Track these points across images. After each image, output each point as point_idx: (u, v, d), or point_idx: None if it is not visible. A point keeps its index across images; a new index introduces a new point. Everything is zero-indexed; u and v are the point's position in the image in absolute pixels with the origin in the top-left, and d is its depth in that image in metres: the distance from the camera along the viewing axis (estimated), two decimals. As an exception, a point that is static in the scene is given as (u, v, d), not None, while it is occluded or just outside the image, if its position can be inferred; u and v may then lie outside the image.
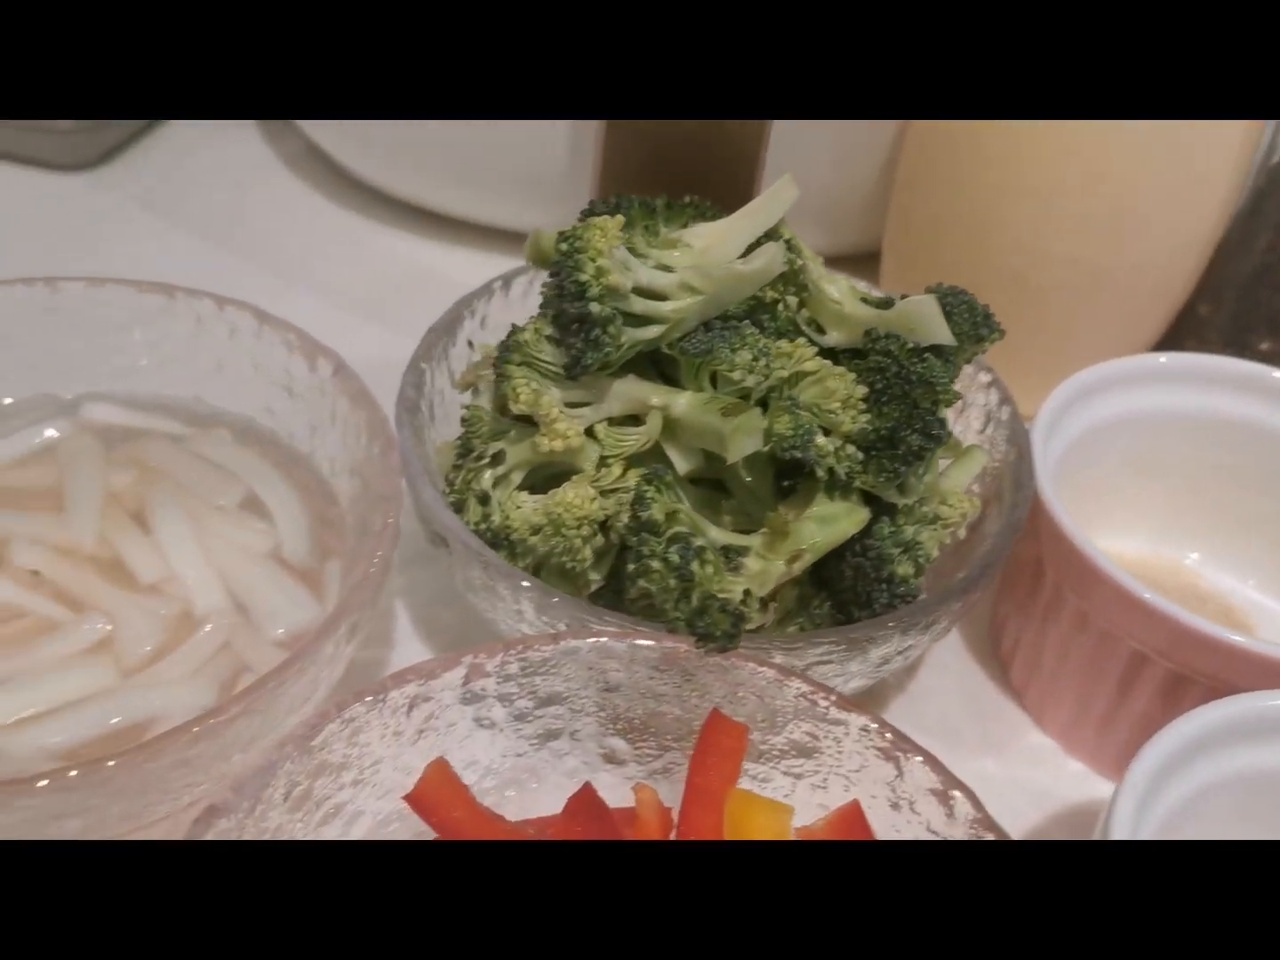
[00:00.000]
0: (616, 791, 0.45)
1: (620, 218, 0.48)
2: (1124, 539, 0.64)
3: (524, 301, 0.62)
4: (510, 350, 0.50)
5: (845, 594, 0.51)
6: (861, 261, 0.76)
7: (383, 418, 0.53)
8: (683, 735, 0.47)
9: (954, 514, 0.51)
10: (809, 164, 0.67)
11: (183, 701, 0.46)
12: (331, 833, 0.42)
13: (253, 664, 0.48)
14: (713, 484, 0.52)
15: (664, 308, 0.49)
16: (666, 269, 0.50)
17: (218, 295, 0.58)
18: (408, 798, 0.41)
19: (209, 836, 0.37)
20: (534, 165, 0.75)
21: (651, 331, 0.49)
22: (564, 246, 0.47)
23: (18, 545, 0.51)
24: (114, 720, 0.45)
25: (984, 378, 0.59)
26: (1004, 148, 0.65)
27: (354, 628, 0.46)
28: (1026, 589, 0.57)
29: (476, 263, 0.81)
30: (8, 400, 0.57)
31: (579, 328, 0.47)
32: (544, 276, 0.61)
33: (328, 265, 0.80)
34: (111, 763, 0.38)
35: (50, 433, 0.56)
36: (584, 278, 0.46)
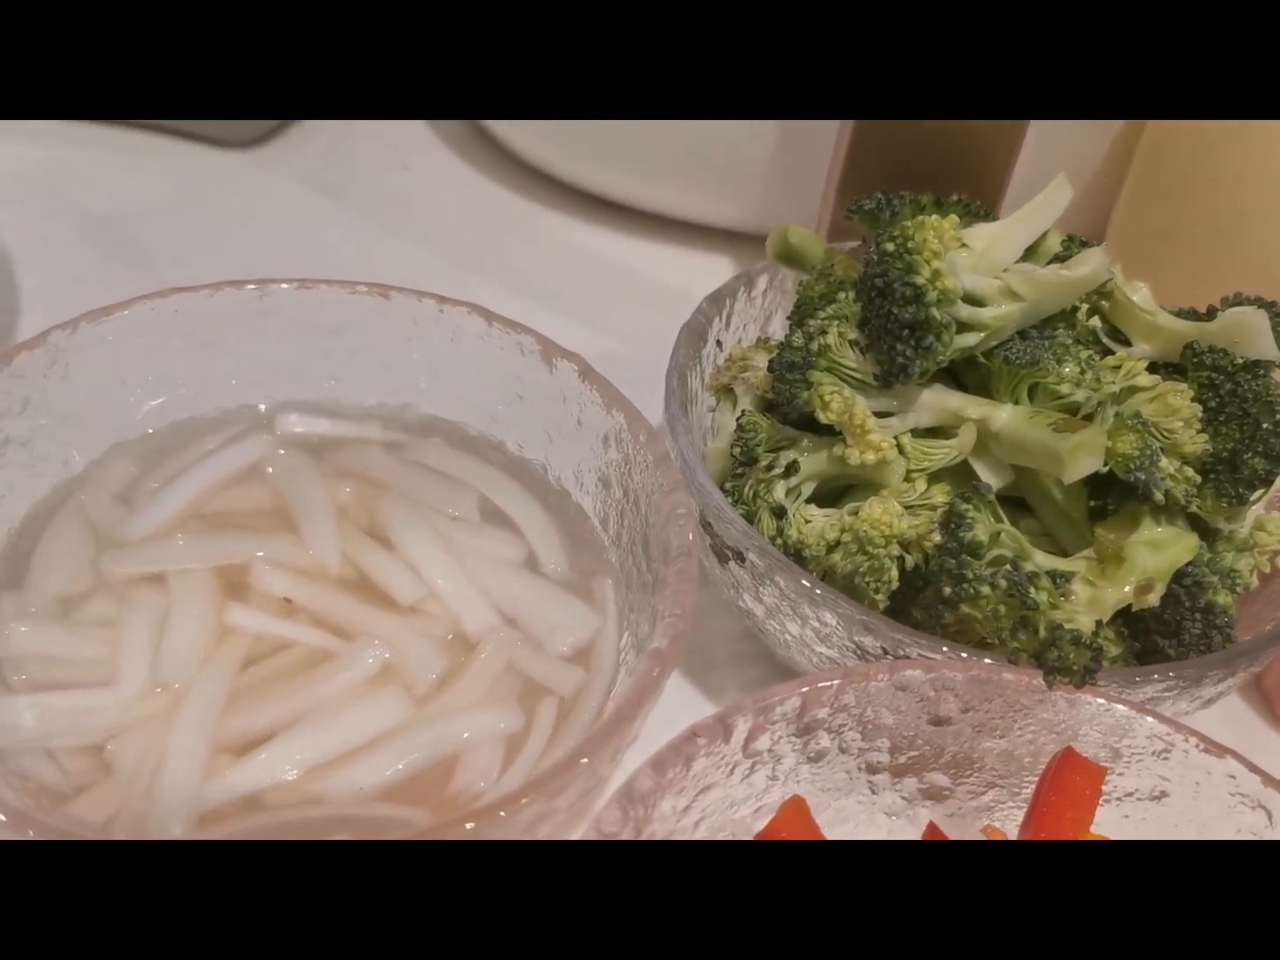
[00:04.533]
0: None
1: (953, 217, 0.45)
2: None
3: (765, 300, 0.59)
4: (814, 355, 0.46)
5: (1149, 623, 0.48)
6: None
7: (648, 425, 0.49)
8: (1009, 772, 0.44)
9: (1271, 540, 0.48)
10: (1042, 163, 0.64)
11: (490, 728, 0.43)
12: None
13: (548, 682, 0.45)
14: (1010, 502, 0.49)
15: (985, 314, 0.46)
16: (986, 274, 0.46)
17: (439, 295, 0.53)
18: (760, 837, 0.38)
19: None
20: (735, 157, 0.71)
21: (971, 339, 0.46)
22: (891, 247, 0.44)
23: (260, 571, 0.46)
24: (425, 755, 0.42)
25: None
26: (1257, 147, 0.62)
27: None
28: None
29: (655, 253, 0.78)
30: (210, 414, 0.52)
31: (909, 334, 0.44)
32: (785, 273, 0.59)
33: (496, 251, 0.77)
34: (468, 824, 0.35)
35: (252, 451, 0.51)
36: (920, 281, 0.43)
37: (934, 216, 0.44)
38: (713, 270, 0.75)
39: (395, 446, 0.53)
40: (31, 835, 0.33)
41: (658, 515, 0.46)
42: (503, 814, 0.35)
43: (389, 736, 0.42)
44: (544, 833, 0.38)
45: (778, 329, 0.59)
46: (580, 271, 0.76)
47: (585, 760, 0.37)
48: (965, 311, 0.45)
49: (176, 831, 0.38)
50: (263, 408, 0.53)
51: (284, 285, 0.52)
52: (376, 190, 0.80)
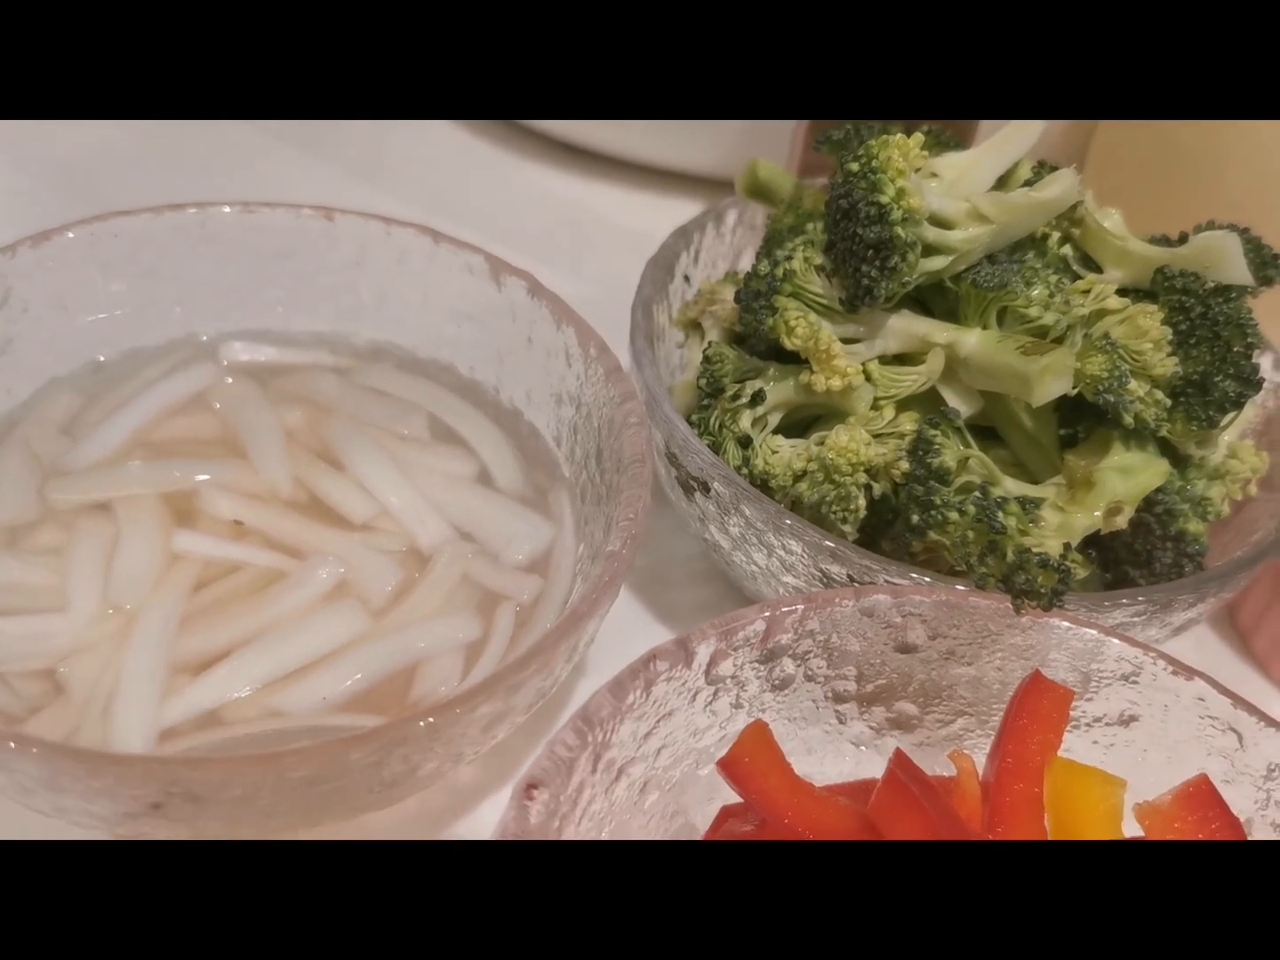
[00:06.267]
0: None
1: (919, 135, 0.44)
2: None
3: (734, 236, 0.58)
4: (779, 281, 0.46)
5: (1119, 551, 0.48)
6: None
7: (599, 339, 0.48)
8: (978, 700, 0.43)
9: (1243, 468, 0.48)
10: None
11: (448, 637, 0.43)
12: (625, 801, 0.39)
13: (505, 590, 0.45)
14: (979, 431, 0.48)
15: (953, 237, 0.45)
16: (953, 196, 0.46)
17: (385, 217, 0.52)
18: (721, 763, 0.38)
19: (533, 809, 0.33)
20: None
21: (938, 263, 0.45)
22: (855, 166, 0.43)
23: (208, 495, 0.46)
24: (384, 665, 0.42)
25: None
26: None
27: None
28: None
29: (625, 200, 0.77)
30: (154, 342, 0.52)
31: (874, 254, 0.43)
32: (755, 209, 0.58)
33: (466, 198, 0.76)
34: (426, 720, 0.34)
35: (197, 379, 0.51)
36: (884, 199, 0.42)
37: (899, 136, 0.43)
38: (684, 216, 0.74)
39: (344, 372, 0.53)
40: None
41: (610, 426, 0.46)
42: (459, 710, 0.35)
43: (347, 649, 0.42)
44: (502, 733, 0.38)
45: (747, 266, 0.58)
46: (550, 218, 0.75)
47: (541, 657, 0.37)
48: (932, 234, 0.44)
49: (137, 747, 0.37)
50: (206, 337, 0.53)
51: (226, 209, 0.51)
52: (346, 139, 0.79)
